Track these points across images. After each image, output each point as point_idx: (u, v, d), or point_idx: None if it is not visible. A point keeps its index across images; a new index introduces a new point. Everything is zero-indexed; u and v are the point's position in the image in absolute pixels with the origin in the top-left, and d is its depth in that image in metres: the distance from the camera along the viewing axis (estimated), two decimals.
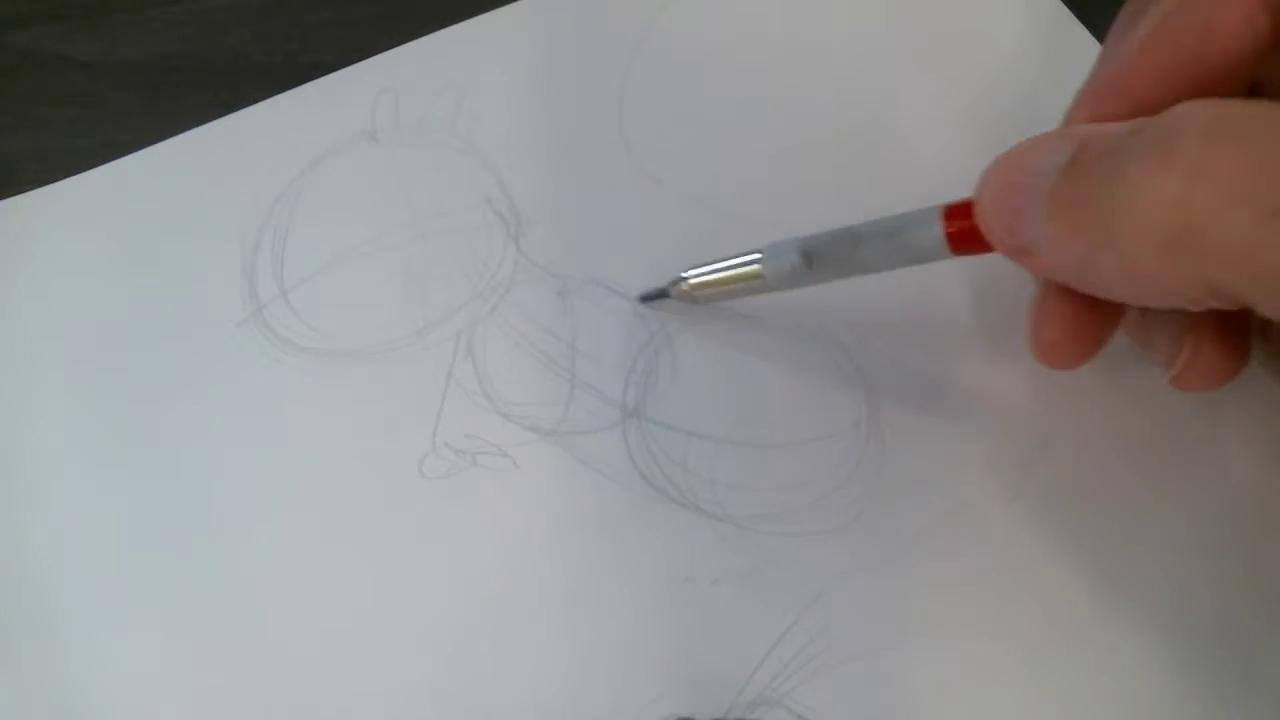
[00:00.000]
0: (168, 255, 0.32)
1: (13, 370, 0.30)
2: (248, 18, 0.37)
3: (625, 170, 0.32)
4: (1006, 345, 0.29)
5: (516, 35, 0.35)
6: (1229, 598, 0.26)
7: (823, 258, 0.25)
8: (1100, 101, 0.22)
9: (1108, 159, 0.18)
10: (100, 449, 0.29)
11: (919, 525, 0.27)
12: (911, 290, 0.29)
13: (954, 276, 0.30)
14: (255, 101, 0.34)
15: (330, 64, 0.35)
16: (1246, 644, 0.25)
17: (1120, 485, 0.27)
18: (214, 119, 0.34)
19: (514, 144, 0.33)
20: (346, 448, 0.29)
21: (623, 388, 0.29)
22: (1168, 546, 0.26)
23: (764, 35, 0.34)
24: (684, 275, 0.28)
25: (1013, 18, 0.34)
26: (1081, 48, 0.33)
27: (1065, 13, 0.34)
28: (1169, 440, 0.27)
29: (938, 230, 0.22)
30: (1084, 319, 0.23)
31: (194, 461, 0.29)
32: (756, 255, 0.27)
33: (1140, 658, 0.25)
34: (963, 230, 0.22)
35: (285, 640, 0.26)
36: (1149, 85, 0.21)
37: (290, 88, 0.34)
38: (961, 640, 0.25)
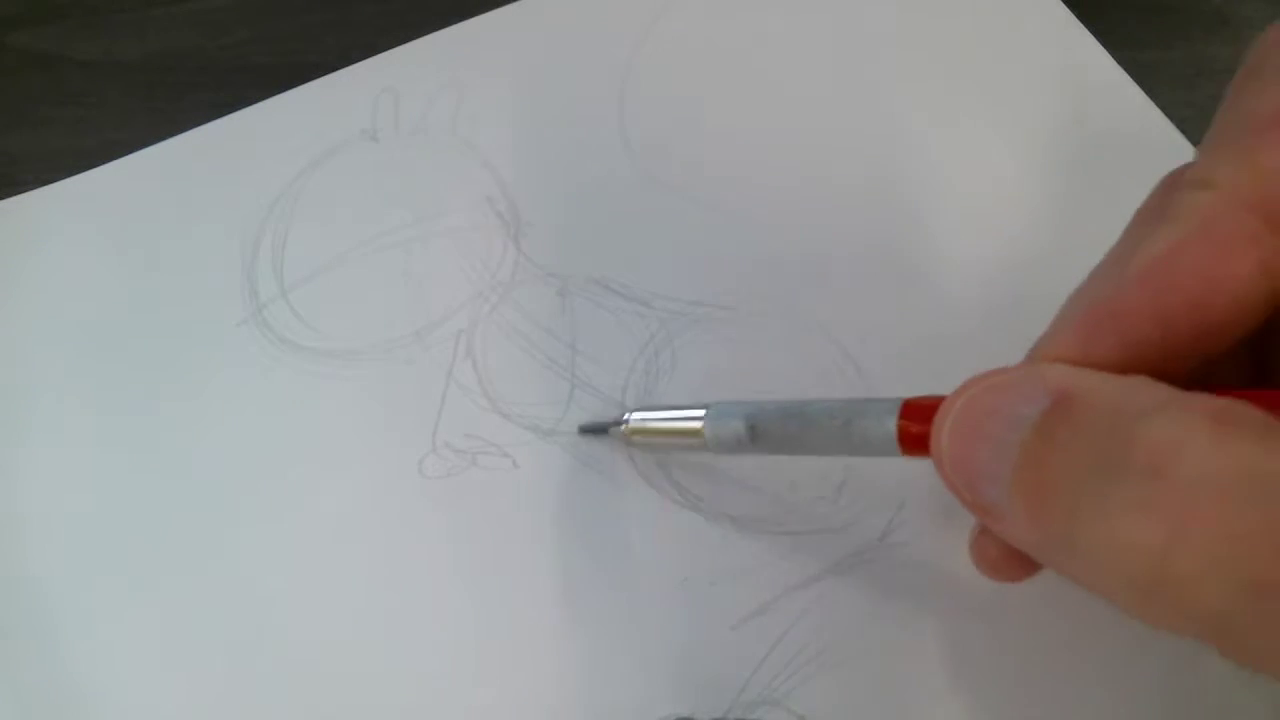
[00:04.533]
0: (168, 255, 0.32)
1: (13, 370, 0.30)
2: (248, 18, 0.37)
3: (625, 170, 0.32)
4: (1007, 346, 0.29)
5: (516, 35, 0.35)
6: None
7: (767, 433, 0.23)
8: (1088, 335, 0.19)
9: (1086, 459, 0.16)
10: (100, 449, 0.29)
11: (919, 525, 0.27)
12: (913, 290, 0.30)
13: (954, 276, 0.30)
14: (255, 101, 0.34)
15: (330, 64, 0.35)
16: None
17: None
18: (214, 119, 0.34)
19: (514, 144, 0.33)
20: (347, 448, 0.29)
21: (623, 388, 0.29)
22: None
23: (763, 35, 0.34)
24: (628, 417, 0.27)
25: (1013, 17, 0.34)
26: (1081, 46, 0.33)
27: (1064, 10, 0.34)
28: None
29: (891, 426, 0.20)
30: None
31: (194, 461, 0.29)
32: (700, 413, 0.25)
33: (1140, 658, 0.25)
34: (920, 435, 0.20)
35: (285, 639, 0.26)
36: (1145, 325, 0.18)
37: (290, 88, 0.34)
38: (962, 640, 0.25)
